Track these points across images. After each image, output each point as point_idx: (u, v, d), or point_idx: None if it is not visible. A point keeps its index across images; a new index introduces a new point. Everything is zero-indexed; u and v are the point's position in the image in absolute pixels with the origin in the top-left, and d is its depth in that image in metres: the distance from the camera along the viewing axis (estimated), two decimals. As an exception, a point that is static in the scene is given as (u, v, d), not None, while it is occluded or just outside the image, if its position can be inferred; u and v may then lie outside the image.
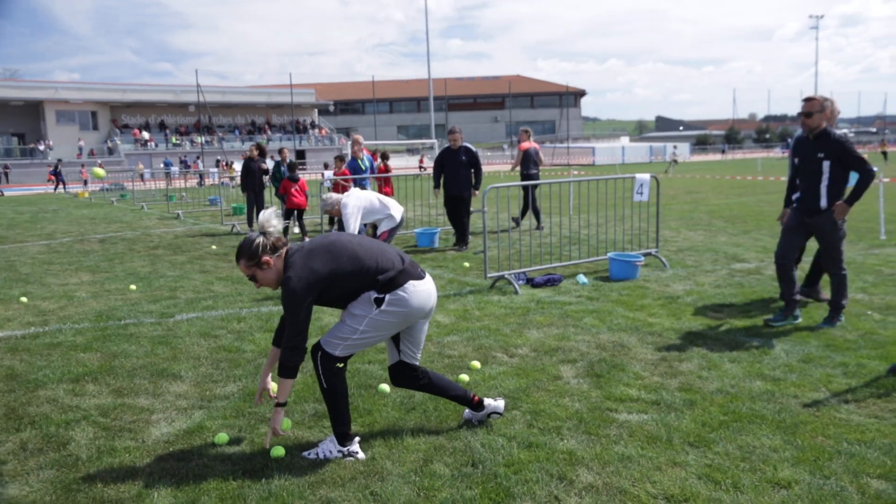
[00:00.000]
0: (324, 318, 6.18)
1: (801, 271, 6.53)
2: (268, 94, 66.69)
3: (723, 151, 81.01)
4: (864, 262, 8.24)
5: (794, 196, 5.73)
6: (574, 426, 3.75)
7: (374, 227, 7.92)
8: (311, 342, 4.01)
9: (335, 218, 7.76)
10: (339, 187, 11.79)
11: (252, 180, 13.76)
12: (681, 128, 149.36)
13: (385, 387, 4.32)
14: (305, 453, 3.45)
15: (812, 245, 6.00)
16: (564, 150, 63.69)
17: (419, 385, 3.63)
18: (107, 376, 4.78)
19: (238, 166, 26.53)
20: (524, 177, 12.78)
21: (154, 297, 7.42)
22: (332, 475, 3.25)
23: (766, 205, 16.22)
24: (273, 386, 3.69)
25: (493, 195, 15.69)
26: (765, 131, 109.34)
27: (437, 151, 14.15)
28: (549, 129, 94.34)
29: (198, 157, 51.50)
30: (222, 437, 3.65)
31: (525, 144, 12.93)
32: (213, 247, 11.68)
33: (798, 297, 5.58)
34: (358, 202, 7.43)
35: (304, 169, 47.35)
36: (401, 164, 49.03)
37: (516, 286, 7.18)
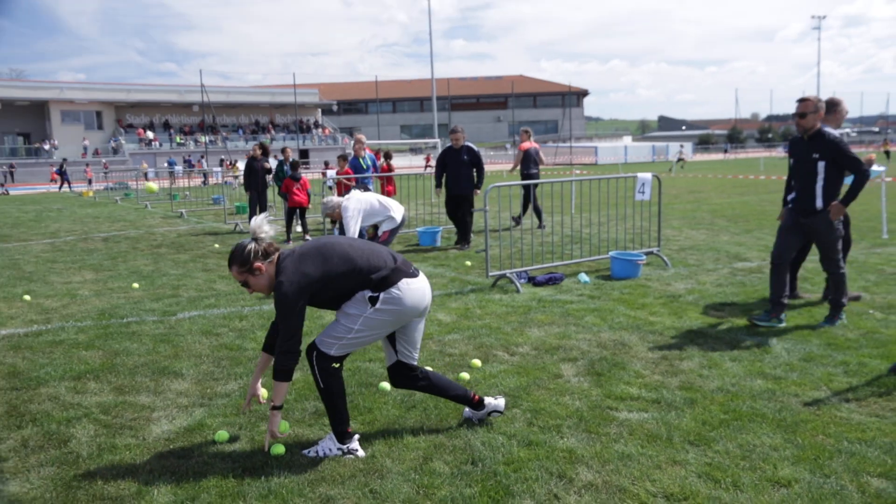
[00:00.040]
0: (325, 315, 6.19)
1: (804, 270, 6.52)
2: (271, 94, 66.74)
3: (725, 151, 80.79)
4: (866, 261, 8.22)
5: (790, 196, 5.71)
6: (574, 424, 3.75)
7: (375, 228, 7.92)
8: (307, 341, 4.01)
9: (337, 220, 7.77)
10: (341, 186, 11.81)
11: (255, 179, 13.81)
12: (683, 127, 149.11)
13: (385, 385, 4.32)
14: (305, 451, 3.46)
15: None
16: (567, 150, 63.63)
17: (419, 385, 3.63)
18: (108, 374, 4.80)
19: (242, 165, 26.58)
20: (524, 177, 12.80)
21: (156, 296, 7.44)
22: (331, 473, 3.25)
23: (768, 204, 16.19)
24: (263, 392, 3.70)
25: (494, 194, 15.69)
26: (767, 131, 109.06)
27: (440, 151, 14.14)
28: (551, 129, 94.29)
29: (202, 157, 51.59)
30: (222, 434, 3.65)
31: (525, 144, 12.95)
32: (216, 245, 11.70)
33: (786, 300, 5.55)
34: (358, 205, 7.44)
35: (308, 167, 47.41)
36: (404, 164, 49.06)
37: (518, 285, 7.18)
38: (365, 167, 11.76)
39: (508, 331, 5.67)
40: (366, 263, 3.33)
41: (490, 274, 7.49)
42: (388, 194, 13.08)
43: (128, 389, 4.49)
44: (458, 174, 10.46)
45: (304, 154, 57.41)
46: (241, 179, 14.83)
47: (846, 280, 5.58)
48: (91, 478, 3.25)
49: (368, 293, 3.32)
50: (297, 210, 12.61)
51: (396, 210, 7.75)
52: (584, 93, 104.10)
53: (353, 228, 7.32)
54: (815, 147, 5.38)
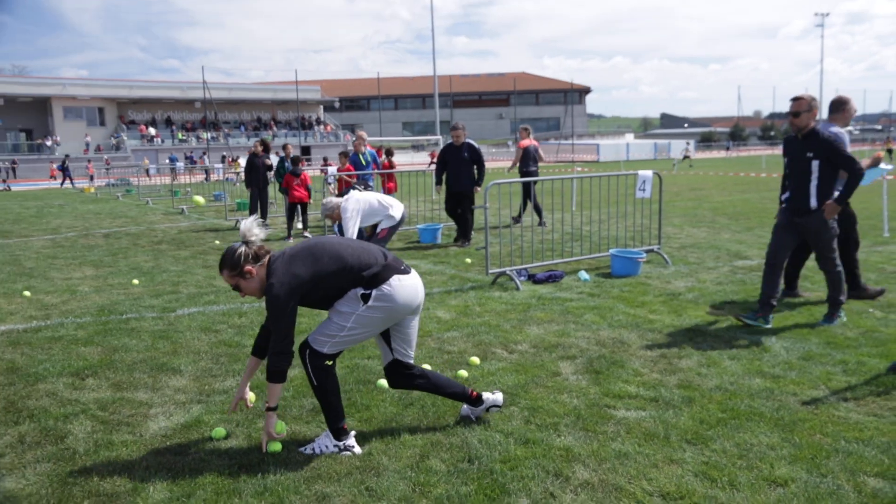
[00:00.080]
0: (324, 314, 6.18)
1: (805, 269, 6.50)
2: (273, 91, 66.71)
3: (727, 148, 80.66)
4: (867, 260, 8.19)
5: (784, 196, 5.68)
6: (571, 423, 3.74)
7: (374, 226, 7.92)
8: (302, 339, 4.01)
9: (337, 221, 7.78)
10: (342, 183, 11.80)
11: (256, 176, 13.80)
12: (686, 125, 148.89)
13: (383, 382, 4.32)
14: (301, 448, 3.46)
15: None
16: (569, 147, 63.57)
17: (416, 384, 3.62)
18: (107, 370, 4.80)
19: (244, 162, 26.58)
20: (523, 174, 12.79)
21: (156, 292, 7.44)
22: (327, 470, 3.25)
23: (769, 202, 16.15)
24: (251, 396, 3.69)
25: (494, 191, 15.67)
26: (770, 128, 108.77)
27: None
28: (553, 126, 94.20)
29: (204, 153, 51.61)
30: (219, 431, 3.65)
31: (525, 142, 12.94)
32: (217, 242, 11.70)
33: (775, 302, 5.53)
34: (356, 205, 7.45)
35: (310, 164, 47.38)
36: (406, 161, 49.02)
37: (517, 282, 7.18)
38: (364, 163, 11.75)
39: (507, 328, 5.67)
40: (356, 261, 3.33)
41: (490, 271, 7.48)
42: (389, 191, 13.07)
43: (126, 386, 4.49)
44: (459, 171, 10.46)
45: (305, 151, 57.35)
46: (243, 176, 14.83)
47: (842, 277, 5.57)
48: (87, 474, 3.25)
49: (360, 291, 3.31)
50: (299, 206, 12.62)
51: (396, 208, 7.75)
52: (587, 90, 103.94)
53: (352, 229, 7.34)
54: (808, 146, 5.36)
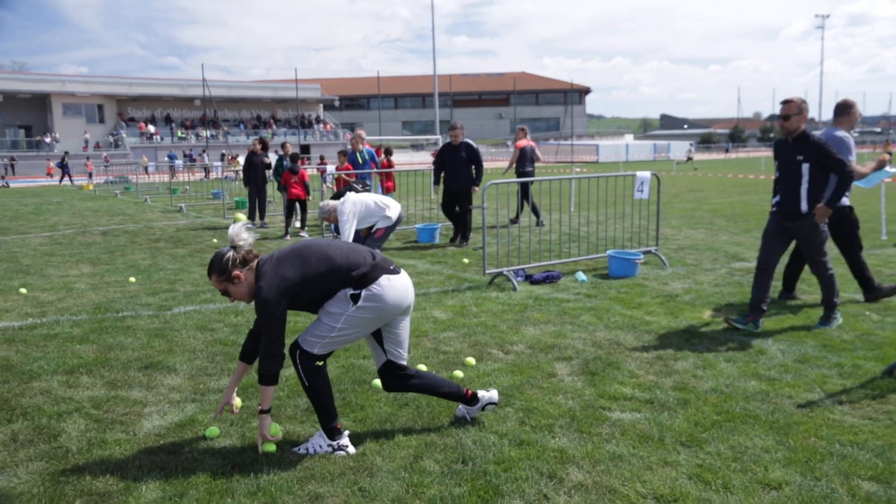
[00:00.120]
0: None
1: (805, 273, 6.49)
2: (273, 89, 66.65)
3: (727, 150, 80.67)
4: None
5: (774, 200, 5.65)
6: (566, 424, 3.73)
7: (370, 227, 7.91)
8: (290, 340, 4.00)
9: (334, 223, 7.78)
10: (341, 181, 11.79)
11: (255, 174, 13.81)
12: (685, 126, 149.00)
13: (378, 382, 4.31)
14: (295, 448, 3.45)
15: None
16: (569, 148, 63.56)
17: (411, 385, 3.61)
18: (101, 368, 4.79)
19: (243, 160, 26.57)
20: (520, 175, 12.79)
21: (153, 290, 7.43)
22: (321, 470, 3.24)
23: (767, 204, 16.13)
24: (237, 401, 3.68)
25: (493, 191, 15.67)
26: (769, 130, 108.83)
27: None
28: (553, 127, 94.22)
29: (203, 151, 51.57)
30: (213, 430, 3.64)
31: (521, 142, 12.94)
32: (215, 240, 11.69)
33: (765, 307, 5.52)
34: (353, 208, 7.45)
35: (309, 163, 47.30)
36: (405, 160, 48.98)
37: (515, 283, 7.17)
38: (362, 161, 11.74)
39: (504, 329, 5.66)
40: (345, 261, 3.32)
41: (487, 271, 7.48)
42: (388, 190, 13.06)
43: (120, 384, 4.48)
44: (457, 171, 10.46)
45: (305, 149, 57.31)
46: (242, 174, 14.83)
47: (835, 279, 5.56)
48: (79, 473, 3.24)
49: (350, 291, 3.31)
50: (297, 204, 12.61)
51: (393, 208, 7.74)
52: (587, 90, 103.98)
53: (349, 232, 7.34)
54: (799, 149, 5.34)
